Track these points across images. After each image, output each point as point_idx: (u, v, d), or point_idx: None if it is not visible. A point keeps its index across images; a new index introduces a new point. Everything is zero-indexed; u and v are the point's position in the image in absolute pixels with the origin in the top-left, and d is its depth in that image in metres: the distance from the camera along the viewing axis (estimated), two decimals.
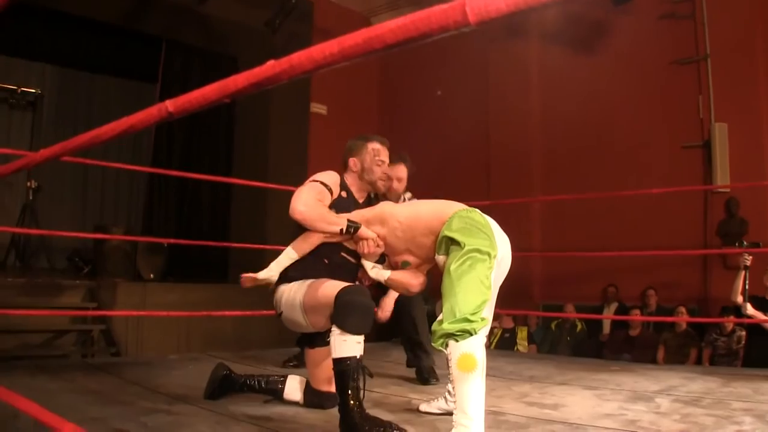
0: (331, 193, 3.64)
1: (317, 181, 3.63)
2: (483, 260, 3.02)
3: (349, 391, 3.11)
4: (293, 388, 3.86)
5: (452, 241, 3.13)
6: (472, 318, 2.85)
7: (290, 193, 5.07)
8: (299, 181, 3.66)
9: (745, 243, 6.34)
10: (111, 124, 1.62)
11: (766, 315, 6.13)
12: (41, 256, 10.84)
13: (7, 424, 3.03)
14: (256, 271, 3.57)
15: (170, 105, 1.47)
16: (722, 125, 9.30)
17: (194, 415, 3.53)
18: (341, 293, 3.21)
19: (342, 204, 3.68)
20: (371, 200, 3.94)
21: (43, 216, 10.47)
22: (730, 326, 7.83)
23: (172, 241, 9.45)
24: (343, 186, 3.77)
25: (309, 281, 3.48)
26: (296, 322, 3.53)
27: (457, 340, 2.84)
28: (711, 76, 9.52)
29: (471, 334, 2.84)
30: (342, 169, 3.88)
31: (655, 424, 3.46)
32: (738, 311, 6.34)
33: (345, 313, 3.18)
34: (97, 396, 3.99)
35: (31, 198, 10.34)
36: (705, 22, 9.54)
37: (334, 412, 3.42)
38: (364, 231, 3.48)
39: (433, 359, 4.90)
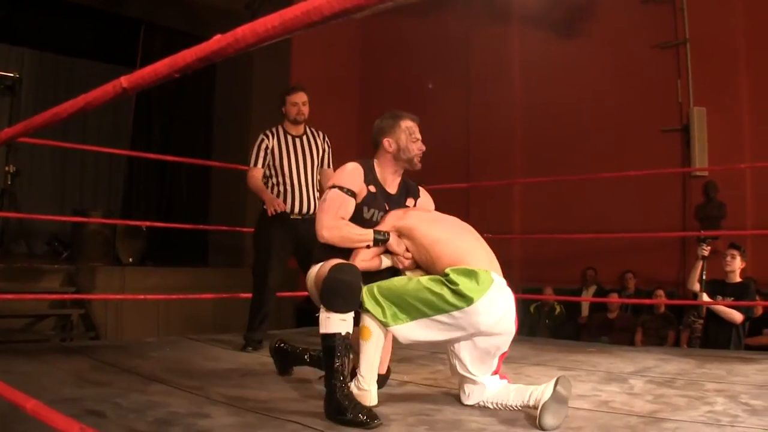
0: (355, 197, 3.57)
1: (337, 186, 3.57)
2: (445, 297, 3.20)
3: (335, 367, 3.13)
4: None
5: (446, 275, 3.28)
6: (385, 308, 3.27)
7: None
8: None
9: (703, 235, 6.52)
10: (69, 102, 1.63)
11: (725, 298, 6.23)
12: (20, 240, 10.75)
13: None
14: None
15: (124, 81, 1.48)
16: (701, 109, 9.36)
17: (169, 395, 3.54)
18: (330, 271, 3.23)
19: (372, 201, 3.65)
20: (407, 189, 3.87)
21: (21, 200, 10.39)
22: None
23: (150, 224, 9.41)
24: (370, 178, 3.67)
25: (324, 261, 3.47)
26: (316, 299, 3.52)
27: (363, 313, 3.33)
28: (690, 61, 9.58)
29: (375, 317, 3.28)
30: (373, 151, 3.81)
31: (627, 404, 3.49)
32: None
33: (326, 292, 3.21)
34: (72, 377, 3.97)
35: (9, 182, 10.26)
36: (684, 7, 9.59)
37: (310, 392, 3.45)
38: (393, 243, 3.51)
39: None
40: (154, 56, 11.12)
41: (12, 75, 11.66)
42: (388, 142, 3.73)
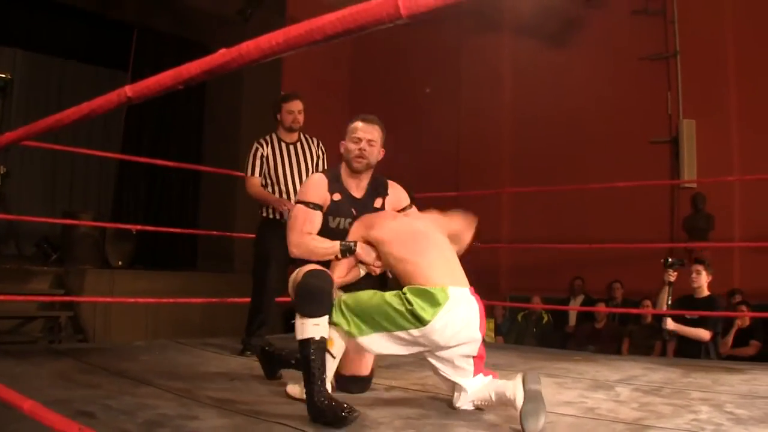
0: (321, 208, 3.65)
1: (301, 202, 3.66)
2: (404, 315, 3.23)
3: (311, 371, 3.16)
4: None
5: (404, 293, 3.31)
6: (349, 320, 3.28)
7: None
8: None
9: (670, 260, 6.50)
10: (72, 109, 1.65)
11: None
12: (9, 242, 10.73)
13: None
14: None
15: (129, 90, 1.51)
16: (690, 122, 9.41)
17: (158, 397, 3.56)
18: (303, 277, 3.29)
19: (338, 209, 3.71)
20: (376, 189, 3.88)
21: (11, 202, 10.36)
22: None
23: (140, 228, 9.40)
24: (335, 186, 3.72)
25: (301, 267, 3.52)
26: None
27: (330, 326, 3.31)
28: (680, 73, 9.63)
29: (339, 326, 3.31)
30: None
31: (613, 411, 3.52)
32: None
33: (298, 297, 3.28)
34: (62, 379, 3.98)
35: None
36: (675, 19, 9.65)
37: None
38: (362, 254, 3.57)
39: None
40: (146, 60, 11.17)
41: (3, 76, 11.62)
42: (341, 146, 3.80)
